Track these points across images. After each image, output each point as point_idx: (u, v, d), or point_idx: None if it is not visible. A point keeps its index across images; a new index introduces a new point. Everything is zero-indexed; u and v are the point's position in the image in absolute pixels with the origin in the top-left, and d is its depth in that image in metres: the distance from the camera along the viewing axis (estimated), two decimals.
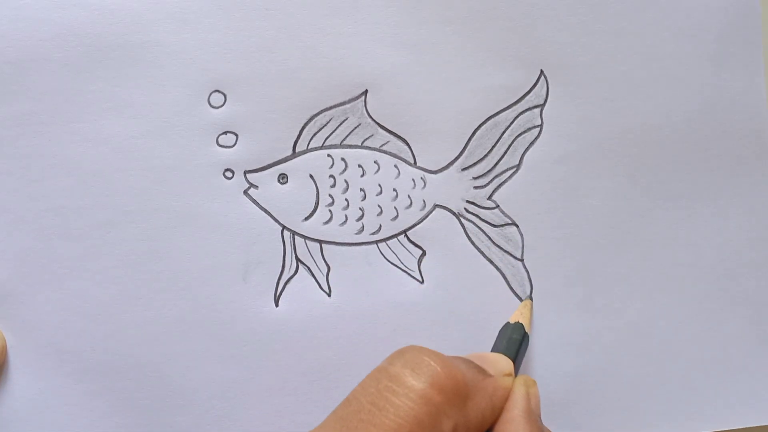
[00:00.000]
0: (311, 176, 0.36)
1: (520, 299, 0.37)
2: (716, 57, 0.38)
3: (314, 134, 0.36)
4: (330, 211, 0.36)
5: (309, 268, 0.36)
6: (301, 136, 0.36)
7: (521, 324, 0.35)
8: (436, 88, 0.37)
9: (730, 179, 0.38)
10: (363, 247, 0.37)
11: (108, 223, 0.35)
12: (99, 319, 0.35)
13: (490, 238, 0.37)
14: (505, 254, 0.37)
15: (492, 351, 0.34)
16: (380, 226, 0.37)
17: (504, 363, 0.31)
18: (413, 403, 0.26)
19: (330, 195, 0.36)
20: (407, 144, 0.37)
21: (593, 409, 0.37)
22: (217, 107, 0.36)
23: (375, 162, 0.37)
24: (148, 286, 0.35)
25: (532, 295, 0.37)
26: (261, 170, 0.36)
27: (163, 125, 0.35)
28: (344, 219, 0.36)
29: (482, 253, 0.37)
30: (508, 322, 0.35)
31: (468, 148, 0.37)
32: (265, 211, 0.36)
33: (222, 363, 0.35)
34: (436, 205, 0.37)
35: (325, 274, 0.36)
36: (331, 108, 0.36)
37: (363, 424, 0.26)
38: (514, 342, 0.34)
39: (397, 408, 0.26)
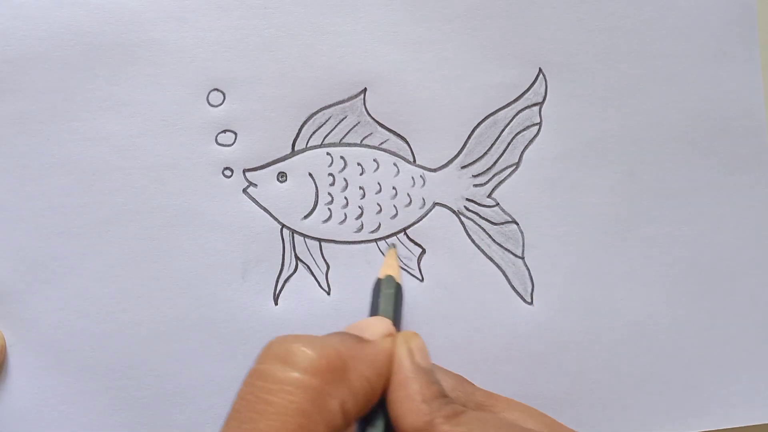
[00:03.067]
0: (310, 174, 0.36)
1: (522, 297, 0.37)
2: (714, 55, 0.38)
3: (313, 132, 0.36)
4: (329, 209, 0.36)
5: (308, 267, 0.36)
6: (300, 135, 0.36)
7: (391, 276, 0.34)
8: (435, 86, 0.37)
9: (728, 177, 0.38)
10: (362, 245, 0.36)
11: (107, 222, 0.35)
12: (98, 317, 0.35)
13: (490, 236, 0.37)
14: (506, 252, 0.37)
15: (370, 313, 0.33)
16: (379, 224, 0.37)
17: (381, 325, 0.30)
18: (292, 395, 0.25)
19: (329, 193, 0.36)
20: (406, 142, 0.37)
21: (594, 408, 0.37)
22: (216, 106, 0.36)
23: (374, 160, 0.37)
24: (147, 284, 0.35)
25: (533, 294, 0.37)
26: (260, 169, 0.36)
27: (161, 124, 0.35)
28: (343, 217, 0.36)
29: (482, 251, 0.37)
30: (379, 278, 0.34)
31: (467, 146, 0.37)
32: (264, 209, 0.36)
33: (221, 361, 0.35)
34: (435, 203, 0.37)
35: (324, 272, 0.36)
36: (330, 106, 0.36)
37: None
38: (389, 296, 0.33)
39: (277, 406, 0.25)
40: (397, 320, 0.32)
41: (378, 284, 0.34)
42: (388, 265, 0.35)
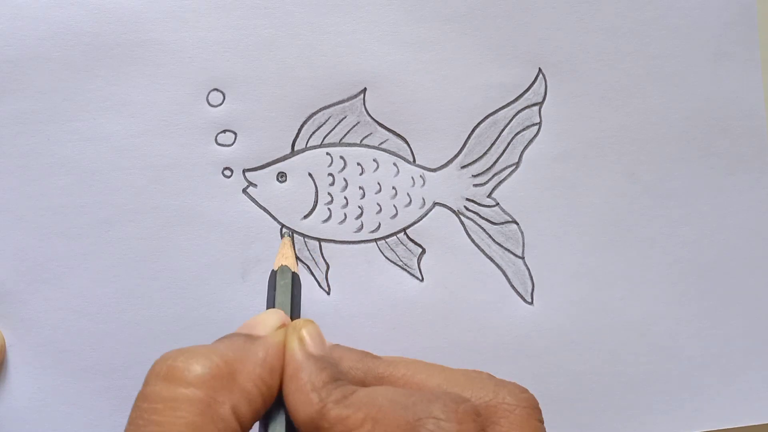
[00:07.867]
0: (310, 174, 0.36)
1: (522, 297, 0.37)
2: (714, 55, 0.38)
3: (313, 132, 0.36)
4: (329, 209, 0.36)
5: (308, 267, 0.36)
6: (300, 135, 0.36)
7: (286, 266, 0.33)
8: (435, 86, 0.37)
9: (728, 177, 0.38)
10: (362, 245, 0.36)
11: (107, 222, 0.35)
12: (98, 317, 0.35)
13: (490, 236, 0.37)
14: (506, 252, 0.37)
15: (267, 305, 0.32)
16: (379, 224, 0.37)
17: (273, 318, 0.29)
18: (179, 411, 0.24)
19: (329, 193, 0.36)
20: (406, 142, 0.37)
21: (594, 408, 0.37)
22: (216, 106, 0.36)
23: (374, 160, 0.37)
24: (147, 284, 0.35)
25: (533, 294, 0.37)
26: (260, 169, 0.36)
27: (161, 124, 0.35)
28: (343, 217, 0.36)
29: (482, 251, 0.37)
30: (273, 270, 0.33)
31: (467, 145, 0.37)
32: (264, 209, 0.36)
33: None
34: (435, 203, 0.37)
35: (324, 272, 0.36)
36: (329, 106, 0.36)
37: None
38: (285, 287, 0.32)
39: (166, 425, 0.24)
40: (295, 311, 0.31)
41: (272, 276, 0.33)
42: (283, 254, 0.34)
